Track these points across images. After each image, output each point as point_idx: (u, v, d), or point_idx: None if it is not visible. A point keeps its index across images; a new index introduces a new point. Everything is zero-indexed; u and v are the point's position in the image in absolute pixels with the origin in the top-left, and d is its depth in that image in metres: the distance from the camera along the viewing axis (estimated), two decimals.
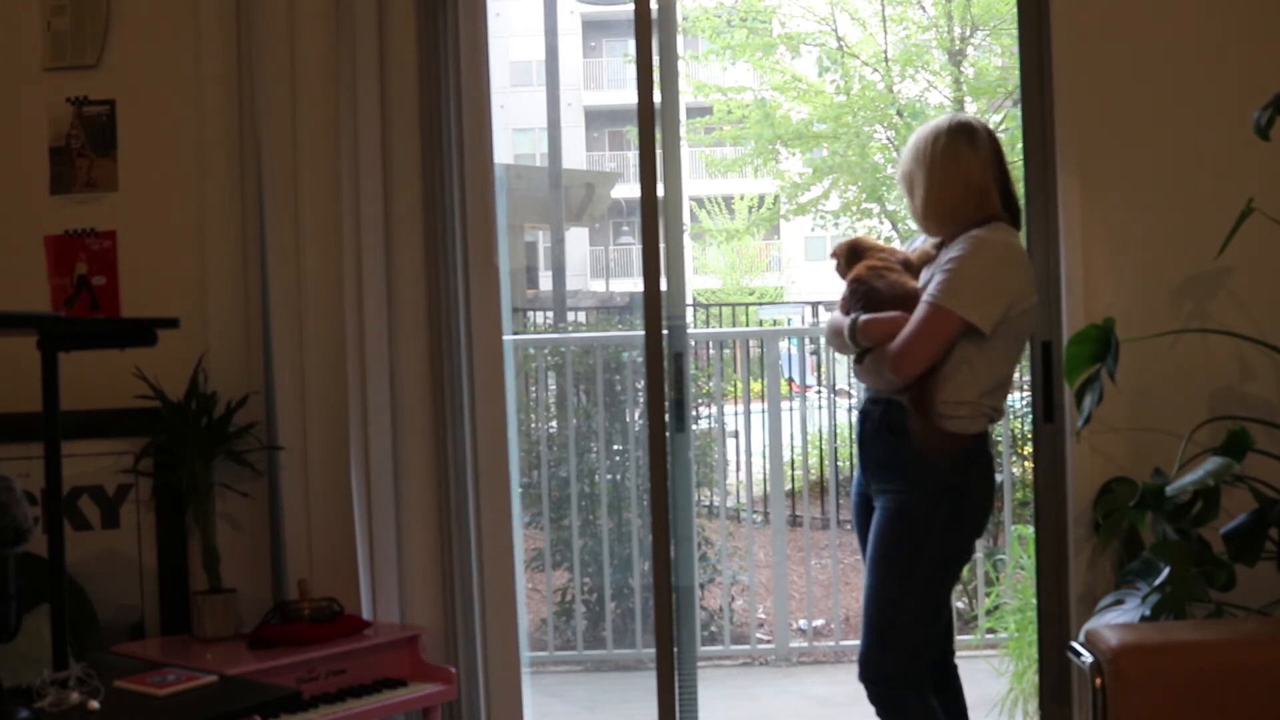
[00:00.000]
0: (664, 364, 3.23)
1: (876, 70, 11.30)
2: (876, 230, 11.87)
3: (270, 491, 3.26)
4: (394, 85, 3.22)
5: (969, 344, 2.68)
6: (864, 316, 2.77)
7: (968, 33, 10.93)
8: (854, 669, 2.79)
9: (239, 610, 3.10)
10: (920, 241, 2.90)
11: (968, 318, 2.64)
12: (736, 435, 6.48)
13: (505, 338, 3.31)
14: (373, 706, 2.93)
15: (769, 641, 5.36)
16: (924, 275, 2.78)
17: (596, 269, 22.68)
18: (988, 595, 4.78)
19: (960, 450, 2.70)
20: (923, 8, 11.24)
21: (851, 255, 2.88)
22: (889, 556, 2.73)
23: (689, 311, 6.79)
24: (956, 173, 2.75)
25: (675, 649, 3.23)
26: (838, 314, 2.88)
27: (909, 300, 2.72)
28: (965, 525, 2.75)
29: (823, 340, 7.18)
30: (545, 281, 17.84)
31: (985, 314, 2.65)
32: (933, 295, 2.67)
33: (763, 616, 5.90)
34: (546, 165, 11.75)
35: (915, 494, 2.71)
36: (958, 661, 2.99)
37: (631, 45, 3.29)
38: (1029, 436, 4.74)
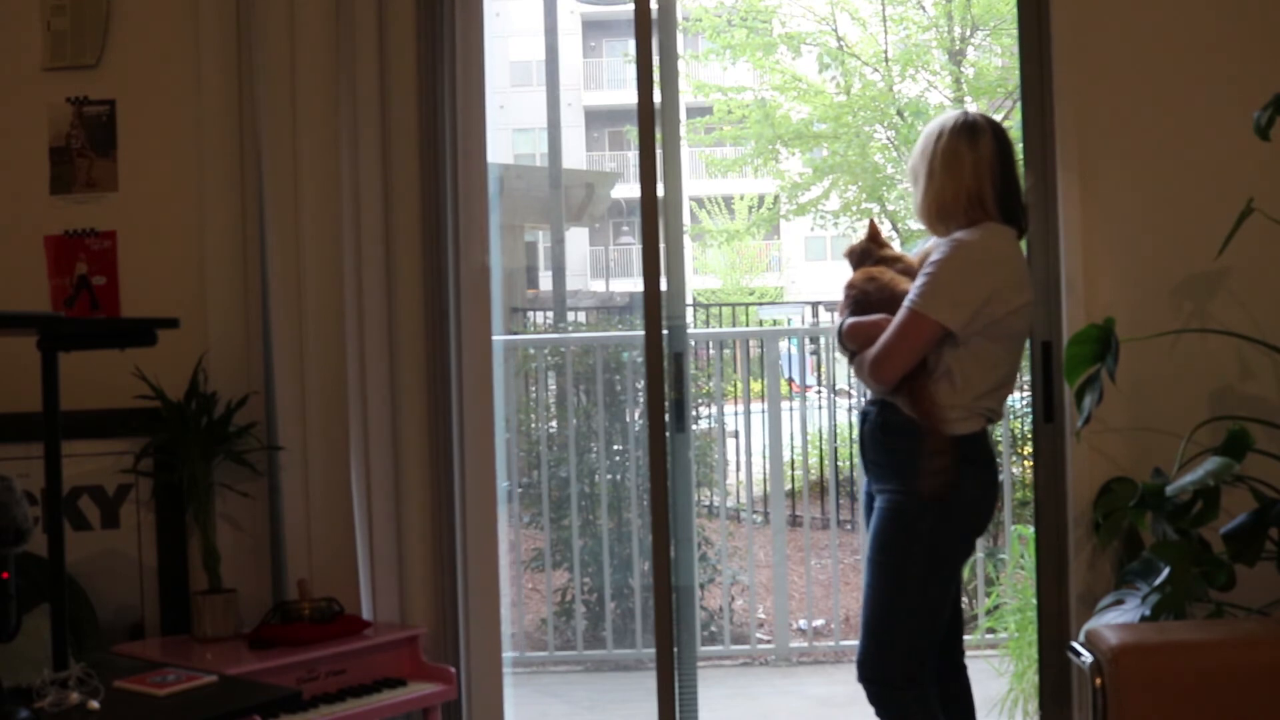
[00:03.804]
0: (664, 364, 3.23)
1: (877, 70, 11.30)
2: None
3: (270, 491, 3.26)
4: (393, 85, 3.22)
5: (957, 345, 2.68)
6: (849, 321, 2.78)
7: (968, 33, 10.94)
8: (854, 669, 2.79)
9: (239, 610, 3.10)
10: (932, 242, 2.90)
11: (941, 321, 2.64)
12: (736, 435, 6.48)
13: (498, 338, 3.31)
14: (373, 706, 2.93)
15: (769, 641, 5.36)
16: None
17: (596, 269, 22.67)
18: (988, 595, 4.79)
19: (954, 450, 2.69)
20: (923, 8, 11.24)
21: (864, 256, 2.89)
22: (884, 557, 2.73)
23: (689, 311, 6.79)
24: (953, 173, 2.75)
25: (675, 649, 3.23)
26: (837, 317, 2.90)
27: (899, 302, 2.72)
28: (959, 526, 2.74)
29: (823, 340, 7.19)
30: (545, 281, 17.82)
31: (958, 316, 2.64)
32: (910, 300, 2.68)
33: (763, 616, 5.90)
34: (546, 165, 11.72)
35: (909, 494, 2.71)
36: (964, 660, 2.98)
37: (631, 45, 3.29)
38: (1029, 436, 4.74)
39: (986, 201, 2.74)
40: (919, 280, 2.69)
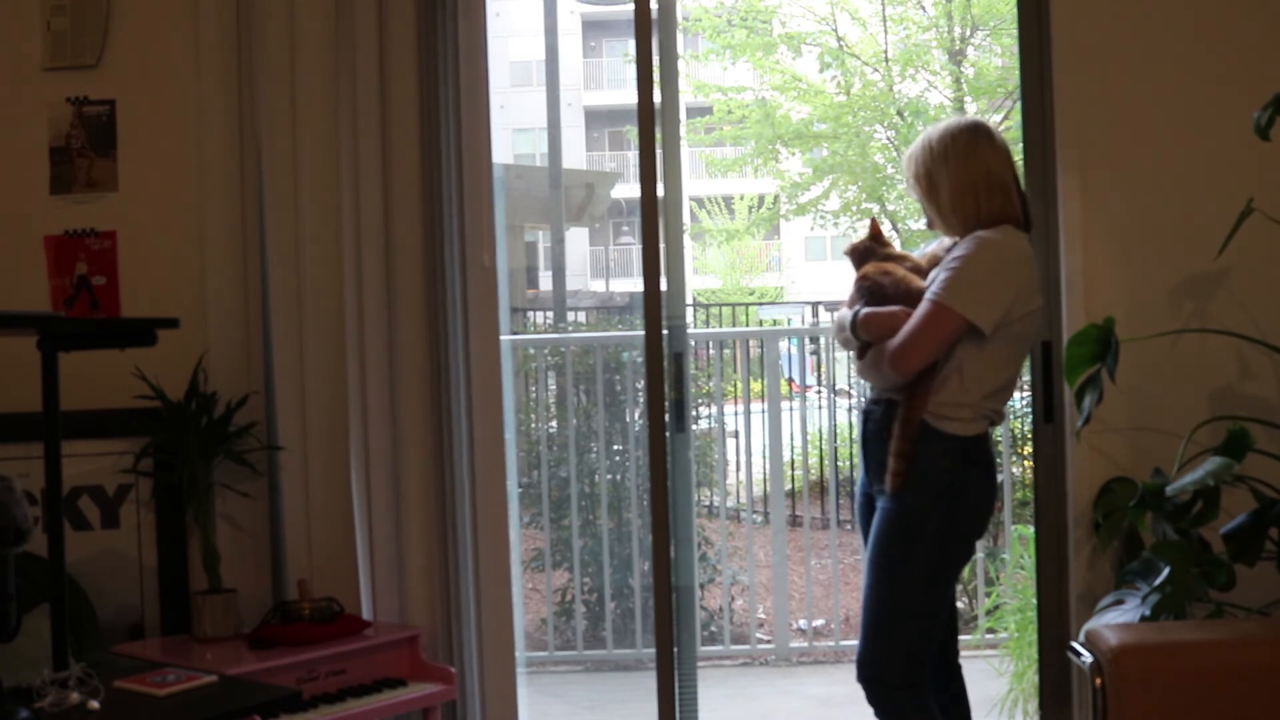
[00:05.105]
0: (664, 364, 3.23)
1: (877, 70, 11.31)
2: None
3: (270, 491, 3.26)
4: (394, 85, 3.22)
5: (970, 344, 2.67)
6: (865, 310, 2.76)
7: (968, 33, 10.94)
8: (854, 669, 2.79)
9: (239, 610, 3.11)
10: (936, 244, 2.89)
11: (969, 317, 2.63)
12: (736, 435, 6.48)
13: (503, 338, 3.31)
14: (373, 706, 2.93)
15: (769, 641, 5.36)
16: (931, 275, 2.77)
17: (596, 269, 22.67)
18: (988, 595, 4.78)
19: (959, 451, 2.69)
20: (923, 8, 11.24)
21: (866, 255, 2.89)
22: (886, 557, 2.72)
23: (689, 311, 6.78)
24: (980, 171, 2.73)
25: (675, 649, 3.23)
26: (844, 309, 2.88)
27: (913, 298, 2.71)
28: (962, 527, 2.74)
29: (823, 340, 7.19)
30: (545, 281, 17.83)
31: (986, 314, 2.64)
32: (935, 293, 2.66)
33: (763, 616, 5.90)
34: (546, 165, 11.73)
35: (913, 495, 2.70)
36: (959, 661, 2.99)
37: (631, 45, 3.29)
38: (1029, 436, 4.74)
39: (1013, 198, 2.75)
40: (943, 274, 2.67)
